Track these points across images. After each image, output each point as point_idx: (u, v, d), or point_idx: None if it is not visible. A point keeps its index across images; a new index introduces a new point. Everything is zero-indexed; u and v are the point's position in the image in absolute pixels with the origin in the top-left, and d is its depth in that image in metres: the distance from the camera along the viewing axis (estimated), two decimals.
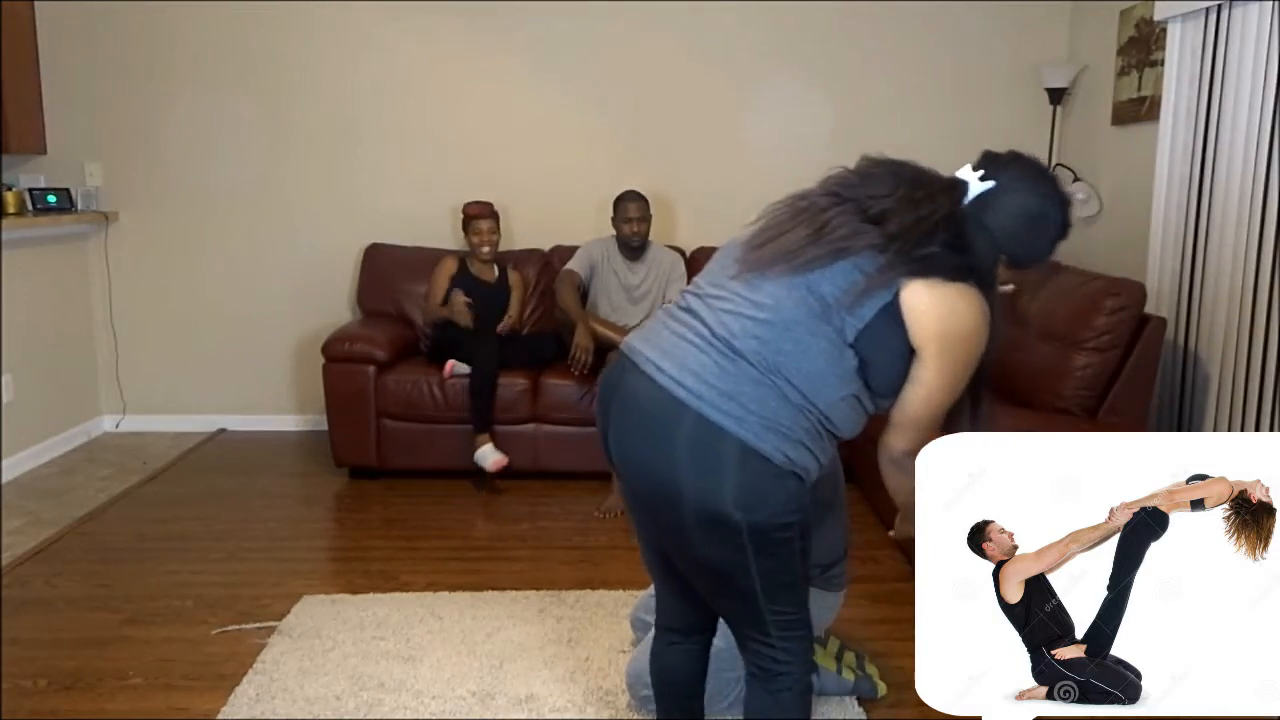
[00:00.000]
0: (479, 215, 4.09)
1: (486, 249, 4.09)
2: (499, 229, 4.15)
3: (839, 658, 2.37)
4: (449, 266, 4.11)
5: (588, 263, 4.08)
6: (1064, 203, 1.59)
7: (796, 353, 1.49)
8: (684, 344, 1.55)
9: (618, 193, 4.06)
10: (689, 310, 1.63)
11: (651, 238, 4.14)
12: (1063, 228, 1.60)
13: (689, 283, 4.40)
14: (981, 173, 1.57)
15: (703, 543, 1.54)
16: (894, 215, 1.52)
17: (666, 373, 1.52)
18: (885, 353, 1.52)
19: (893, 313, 1.49)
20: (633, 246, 4.05)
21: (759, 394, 1.48)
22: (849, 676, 2.33)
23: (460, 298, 3.96)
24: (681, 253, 4.31)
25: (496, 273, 4.16)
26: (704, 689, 1.91)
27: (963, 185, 1.58)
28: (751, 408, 1.47)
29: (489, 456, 3.74)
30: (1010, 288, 1.66)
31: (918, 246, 1.49)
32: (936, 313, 1.49)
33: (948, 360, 1.53)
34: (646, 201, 4.04)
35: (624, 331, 3.89)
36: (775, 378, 1.49)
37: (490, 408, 3.79)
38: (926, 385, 1.55)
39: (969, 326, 1.52)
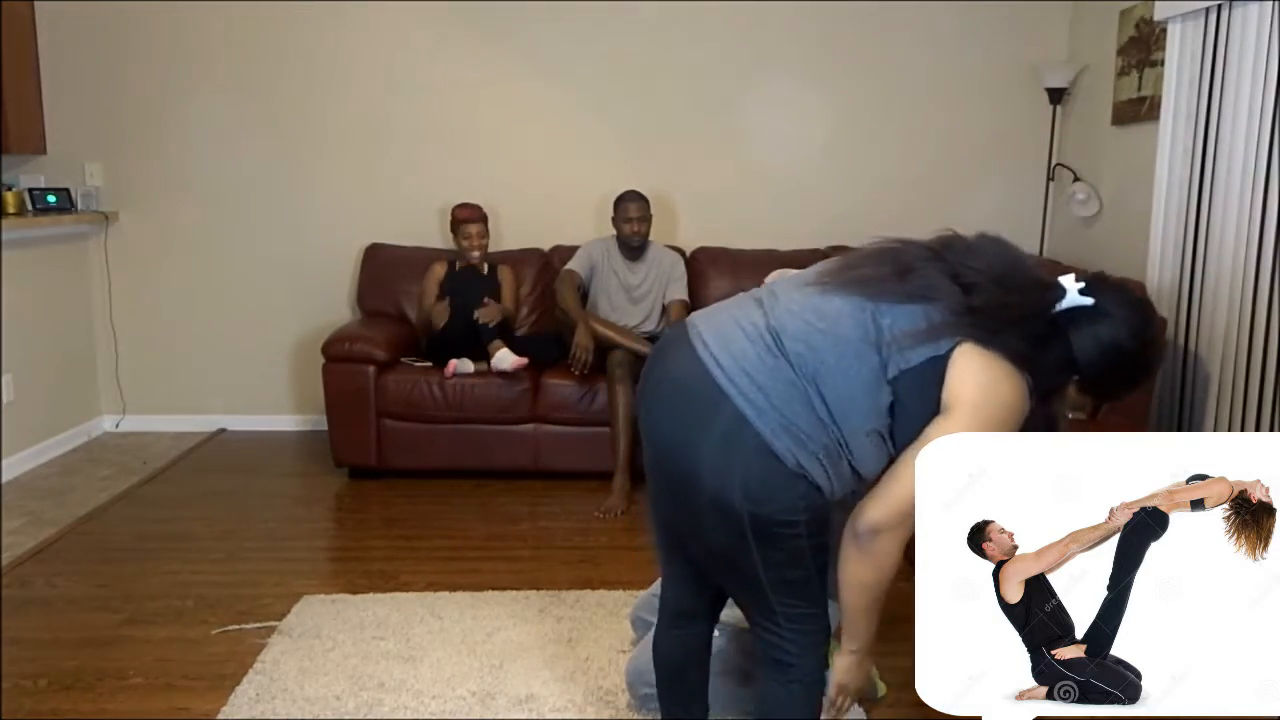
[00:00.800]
0: (468, 219, 4.10)
1: (476, 253, 4.11)
2: (488, 232, 4.17)
3: None
4: (437, 272, 4.13)
5: (588, 262, 4.08)
6: (1156, 345, 1.56)
7: (837, 369, 1.49)
8: (737, 329, 1.56)
9: (618, 193, 4.07)
10: (757, 301, 1.63)
11: (652, 237, 4.14)
12: (1147, 371, 1.58)
13: (687, 283, 4.33)
14: (1083, 286, 1.55)
15: (712, 527, 1.57)
16: (981, 291, 1.50)
17: (710, 350, 1.54)
18: (918, 402, 1.50)
19: (939, 368, 1.48)
20: (633, 246, 4.05)
21: (788, 395, 1.49)
22: None
23: (486, 307, 3.98)
24: (681, 253, 4.32)
25: (486, 270, 4.17)
26: (706, 677, 1.91)
27: (1060, 291, 1.56)
28: (776, 404, 1.48)
29: (507, 359, 3.79)
30: (1081, 415, 1.63)
31: (992, 325, 1.47)
32: (977, 380, 1.48)
33: (966, 428, 1.49)
34: (647, 201, 4.04)
35: (624, 331, 3.89)
36: (809, 386, 1.50)
37: (507, 333, 3.93)
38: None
39: (1004, 404, 1.49)
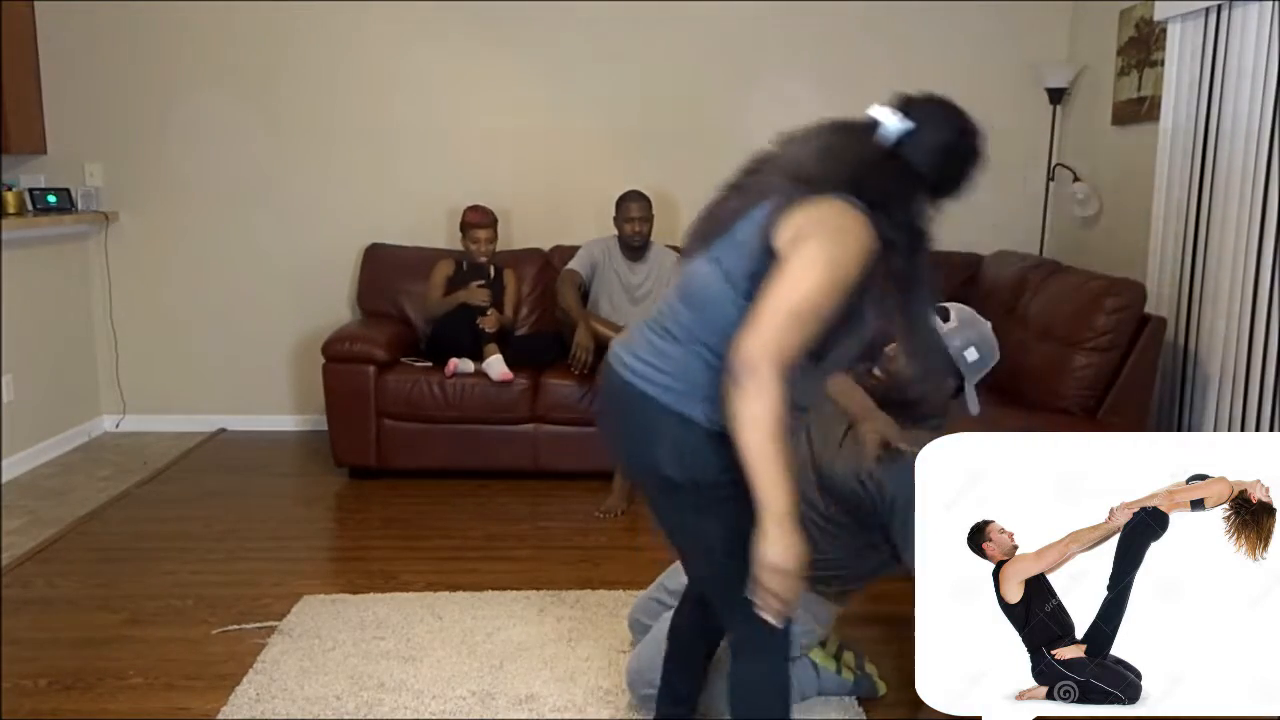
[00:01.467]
0: (477, 224, 4.10)
1: (484, 257, 4.11)
2: (497, 236, 4.17)
3: (838, 657, 2.37)
4: (444, 269, 4.14)
5: (589, 262, 4.08)
6: (974, 130, 1.71)
7: (710, 318, 1.58)
8: (638, 331, 1.69)
9: (619, 193, 4.07)
10: (662, 299, 1.76)
11: (653, 238, 4.14)
12: (978, 153, 1.71)
13: None
14: (897, 114, 1.66)
15: (661, 508, 1.70)
16: (806, 164, 1.61)
17: (620, 358, 1.67)
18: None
19: (770, 248, 1.53)
20: (634, 246, 4.05)
21: (685, 364, 1.58)
22: (848, 676, 2.33)
23: (476, 288, 4.04)
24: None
25: (493, 274, 4.17)
26: (702, 652, 2.00)
27: (879, 125, 1.65)
28: (678, 376, 1.59)
29: (497, 367, 3.81)
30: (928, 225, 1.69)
31: (823, 185, 1.55)
32: (810, 216, 1.52)
33: (809, 250, 1.48)
34: (649, 201, 4.04)
35: (620, 330, 3.90)
36: (696, 346, 1.58)
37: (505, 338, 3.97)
38: (784, 275, 1.48)
39: (842, 227, 1.51)
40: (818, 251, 1.48)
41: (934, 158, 1.65)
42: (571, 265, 4.06)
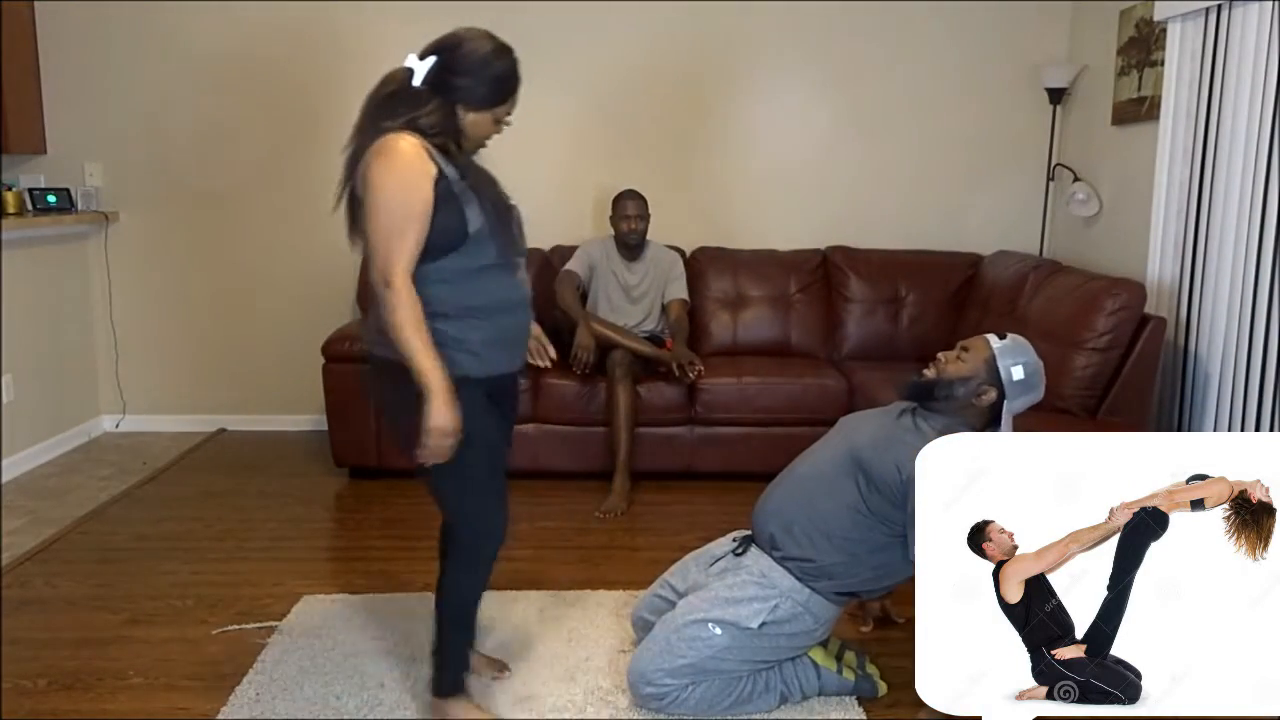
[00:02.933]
0: None
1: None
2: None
3: (839, 657, 2.37)
4: None
5: (587, 263, 4.08)
6: (465, 40, 1.98)
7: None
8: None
9: (617, 192, 4.07)
10: None
11: (651, 237, 4.14)
12: (497, 53, 1.98)
13: (686, 282, 4.34)
14: (424, 63, 1.97)
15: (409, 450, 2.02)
16: (363, 118, 1.99)
17: (368, 330, 2.06)
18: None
19: (358, 195, 1.93)
20: (630, 245, 4.05)
21: (376, 313, 1.94)
22: (849, 676, 2.33)
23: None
24: (681, 253, 4.32)
25: None
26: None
27: (408, 72, 1.97)
28: (377, 328, 1.96)
29: None
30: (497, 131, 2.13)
31: (375, 130, 1.91)
32: (368, 157, 1.89)
33: (371, 180, 1.87)
34: (645, 200, 4.04)
35: (624, 331, 3.89)
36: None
37: None
38: (368, 208, 1.88)
39: (383, 148, 1.87)
40: (375, 177, 1.86)
41: (456, 76, 1.96)
42: (569, 266, 4.06)
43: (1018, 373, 2.23)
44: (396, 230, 1.85)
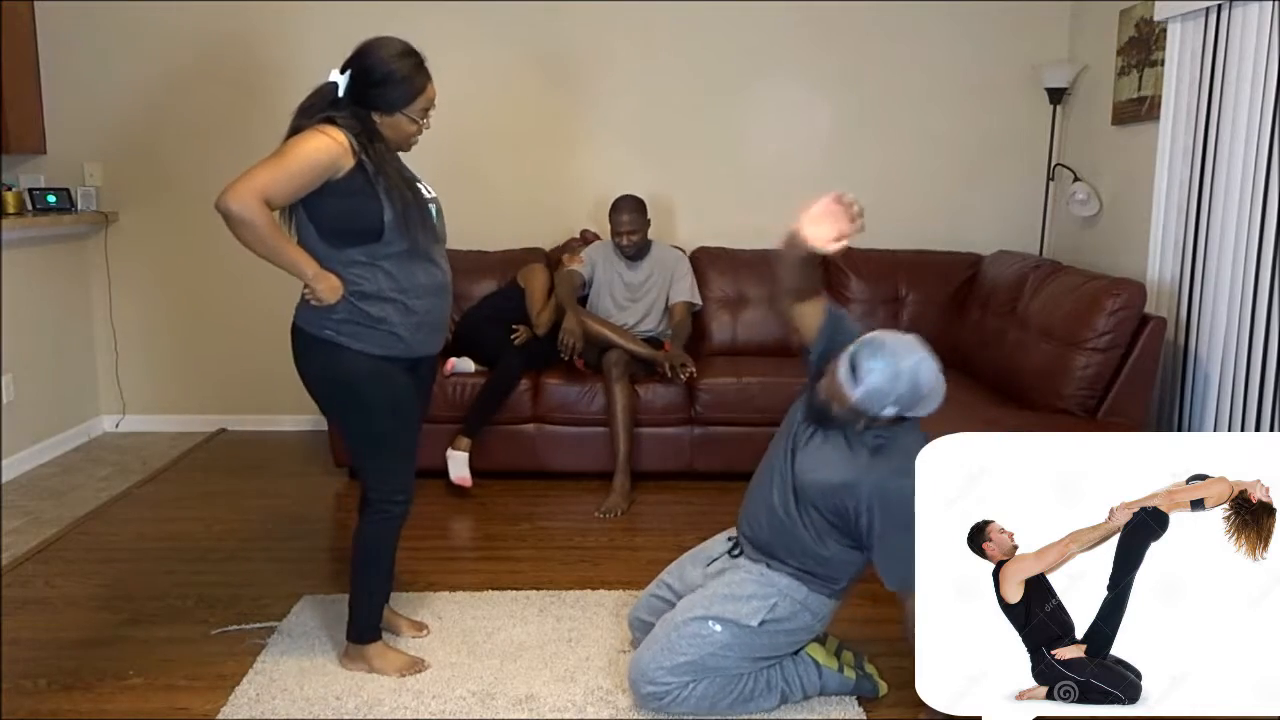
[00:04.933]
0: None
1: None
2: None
3: (838, 655, 2.37)
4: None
5: (589, 263, 4.08)
6: (390, 47, 2.24)
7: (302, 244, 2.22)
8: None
9: (620, 192, 4.05)
10: None
11: (652, 236, 4.13)
12: (397, 66, 2.21)
13: (692, 283, 4.32)
14: (342, 73, 2.22)
15: (327, 413, 2.50)
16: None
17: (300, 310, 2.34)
18: (324, 214, 2.19)
19: None
20: (628, 256, 4.05)
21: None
22: (850, 675, 2.33)
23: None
24: (682, 252, 4.31)
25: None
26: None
27: (331, 86, 2.22)
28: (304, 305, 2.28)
29: (462, 467, 3.71)
30: (417, 135, 2.43)
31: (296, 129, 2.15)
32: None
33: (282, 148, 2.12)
34: (642, 206, 4.01)
35: (620, 330, 3.89)
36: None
37: (491, 415, 3.79)
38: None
39: (300, 130, 2.16)
40: (285, 146, 2.12)
41: (363, 78, 2.20)
42: (573, 265, 4.07)
43: (889, 413, 2.07)
44: (280, 166, 2.07)
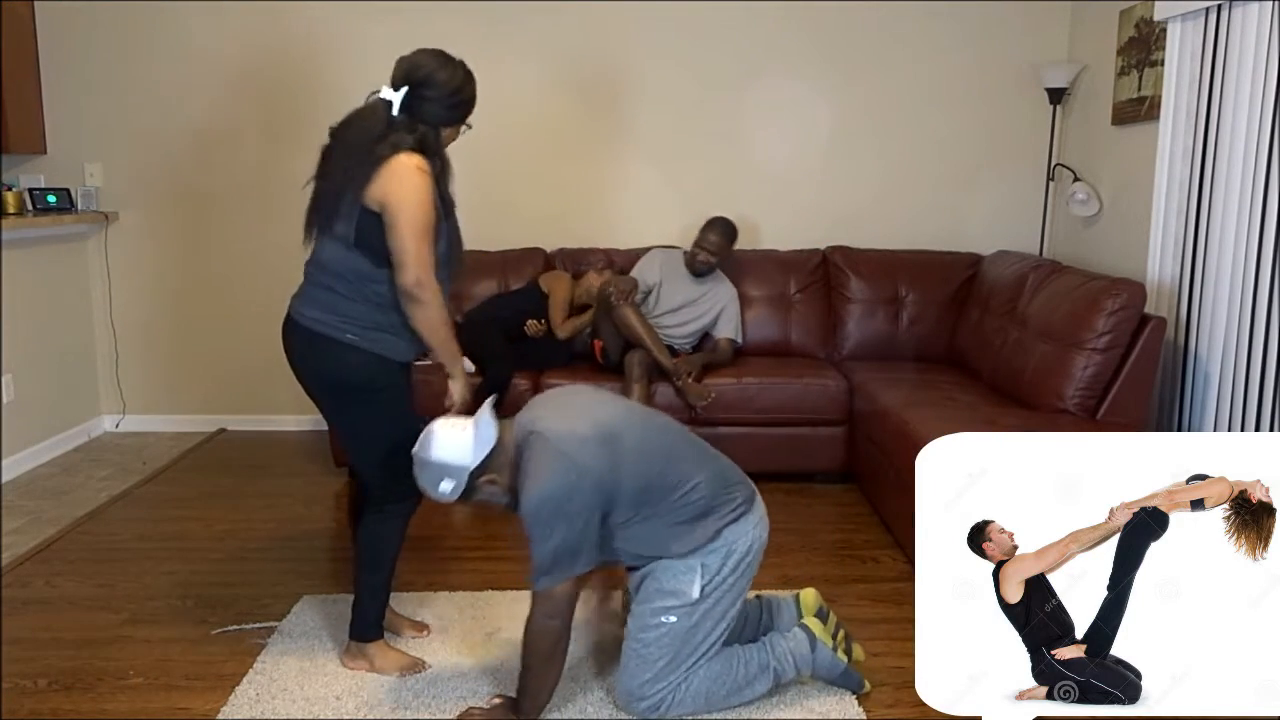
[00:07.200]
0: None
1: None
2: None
3: (835, 635, 2.35)
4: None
5: (653, 262, 4.14)
6: (454, 62, 2.26)
7: (332, 266, 2.23)
8: (305, 294, 2.32)
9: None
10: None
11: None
12: (463, 77, 2.26)
13: (740, 323, 4.27)
14: (398, 90, 2.19)
15: (330, 413, 2.40)
16: (359, 140, 2.18)
17: (295, 306, 2.32)
18: (378, 238, 2.15)
19: (367, 209, 2.14)
20: (696, 273, 4.09)
21: (347, 307, 2.22)
22: (842, 658, 2.31)
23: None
24: (684, 253, 4.31)
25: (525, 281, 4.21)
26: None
27: (387, 104, 2.20)
28: (342, 315, 2.23)
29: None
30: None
31: (367, 164, 2.13)
32: (385, 186, 2.12)
33: (397, 193, 2.11)
34: (733, 237, 4.06)
35: (652, 332, 3.83)
36: (332, 280, 2.24)
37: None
38: (396, 217, 2.11)
39: (400, 166, 2.12)
40: (401, 194, 2.11)
41: (430, 103, 2.21)
42: (634, 271, 4.12)
43: (446, 486, 2.08)
44: (425, 241, 2.14)
